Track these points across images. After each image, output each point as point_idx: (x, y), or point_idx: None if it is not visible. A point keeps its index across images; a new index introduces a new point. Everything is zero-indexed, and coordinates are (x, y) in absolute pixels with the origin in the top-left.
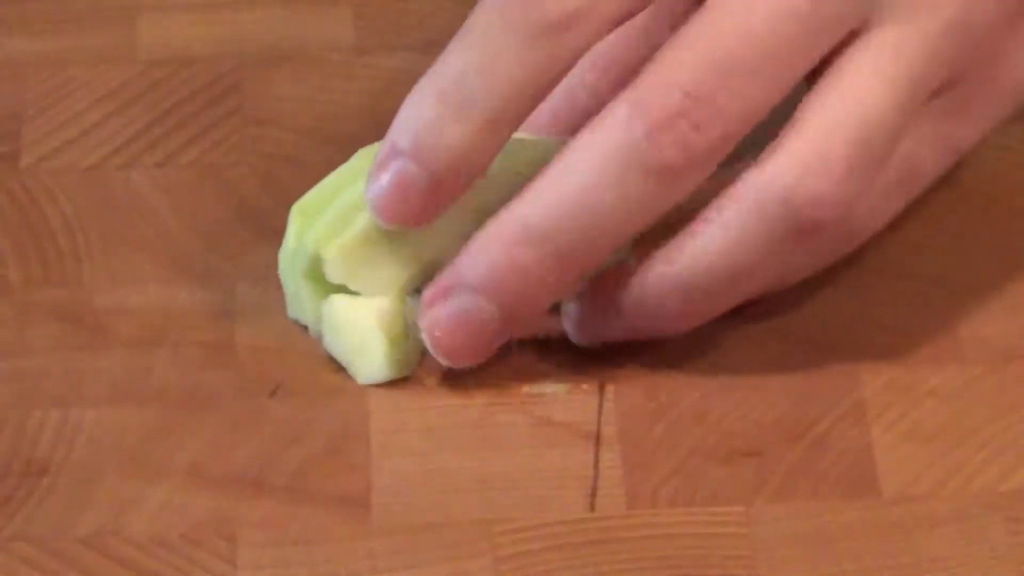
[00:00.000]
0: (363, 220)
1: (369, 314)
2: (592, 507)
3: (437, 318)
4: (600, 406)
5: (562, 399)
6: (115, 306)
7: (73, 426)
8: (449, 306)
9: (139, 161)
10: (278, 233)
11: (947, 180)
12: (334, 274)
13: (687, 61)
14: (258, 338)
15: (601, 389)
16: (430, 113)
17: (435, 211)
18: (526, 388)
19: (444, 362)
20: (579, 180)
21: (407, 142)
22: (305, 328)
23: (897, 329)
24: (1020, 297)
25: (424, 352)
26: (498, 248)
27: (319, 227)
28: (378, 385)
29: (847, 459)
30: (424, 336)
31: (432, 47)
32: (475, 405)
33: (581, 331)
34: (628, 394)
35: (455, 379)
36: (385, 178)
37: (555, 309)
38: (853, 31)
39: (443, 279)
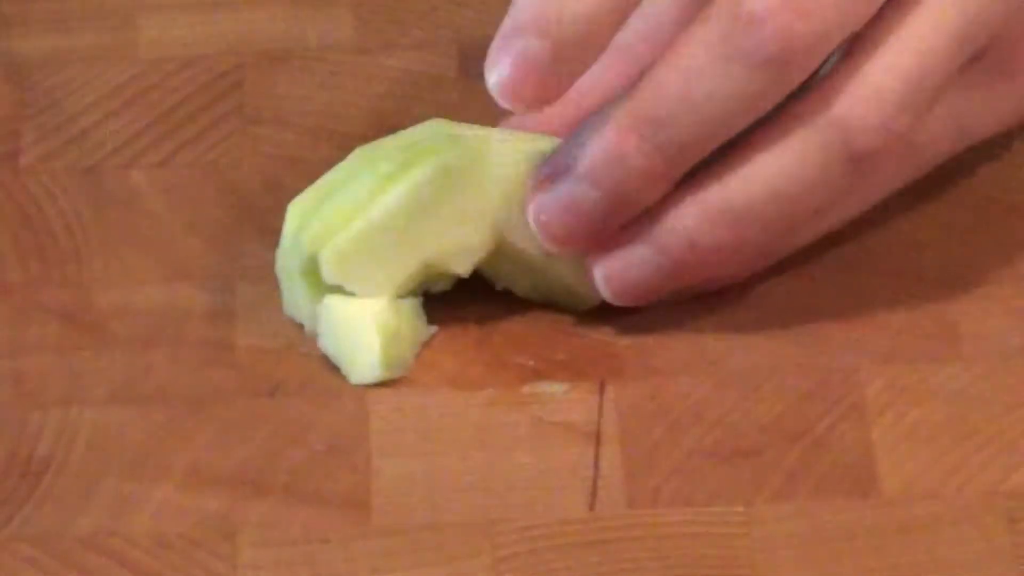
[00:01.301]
0: (359, 222)
1: (363, 314)
2: (592, 507)
3: (543, 203)
4: (600, 406)
5: (562, 399)
6: (115, 306)
7: (73, 426)
8: (555, 192)
9: (139, 161)
10: (278, 233)
11: (947, 180)
12: (330, 275)
13: None
14: (258, 338)
15: (601, 389)
16: None
17: (557, 89)
18: (526, 388)
19: (549, 247)
20: (684, 72)
21: (529, 15)
22: (302, 326)
23: (897, 329)
24: (1020, 296)
25: (418, 353)
26: (602, 136)
27: (315, 226)
28: (378, 385)
29: (847, 459)
30: (531, 220)
31: (432, 47)
32: (475, 405)
33: (616, 281)
34: (628, 394)
35: (455, 379)
36: (507, 58)
37: None
38: None
39: (550, 164)
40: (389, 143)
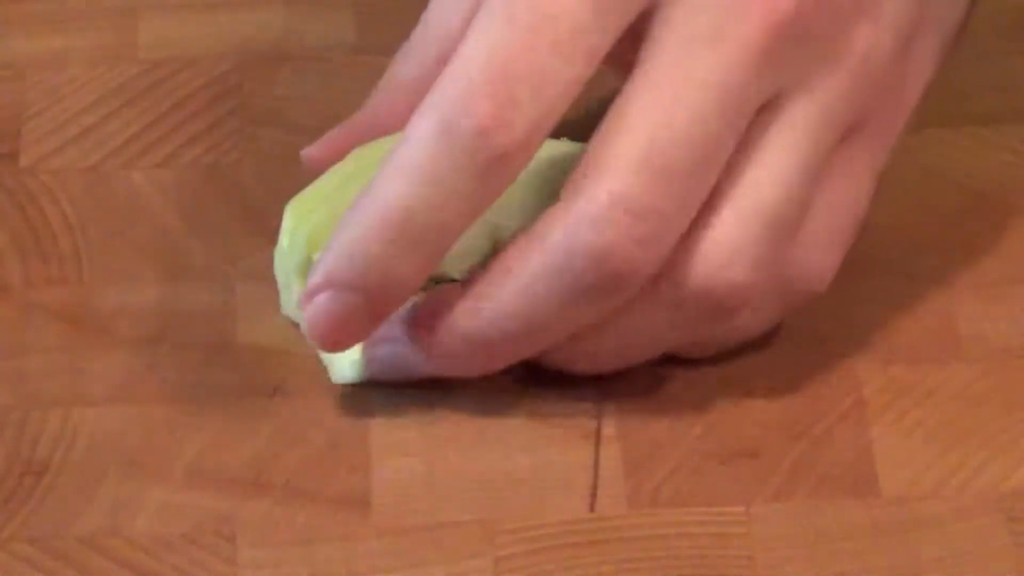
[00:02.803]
0: None
1: None
2: (592, 507)
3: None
4: (600, 406)
5: (562, 399)
6: (115, 306)
7: (73, 426)
8: (320, 303)
9: (139, 161)
10: (278, 233)
11: (947, 180)
12: None
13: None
14: (258, 338)
15: (601, 389)
16: (376, 249)
17: (371, 332)
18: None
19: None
20: (517, 290)
21: (349, 276)
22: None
23: (897, 329)
24: (1020, 297)
25: None
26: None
27: (311, 227)
28: (378, 385)
29: (847, 459)
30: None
31: None
32: (475, 405)
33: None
34: (628, 394)
35: (455, 379)
36: (322, 308)
37: None
38: (764, 106)
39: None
40: (387, 144)
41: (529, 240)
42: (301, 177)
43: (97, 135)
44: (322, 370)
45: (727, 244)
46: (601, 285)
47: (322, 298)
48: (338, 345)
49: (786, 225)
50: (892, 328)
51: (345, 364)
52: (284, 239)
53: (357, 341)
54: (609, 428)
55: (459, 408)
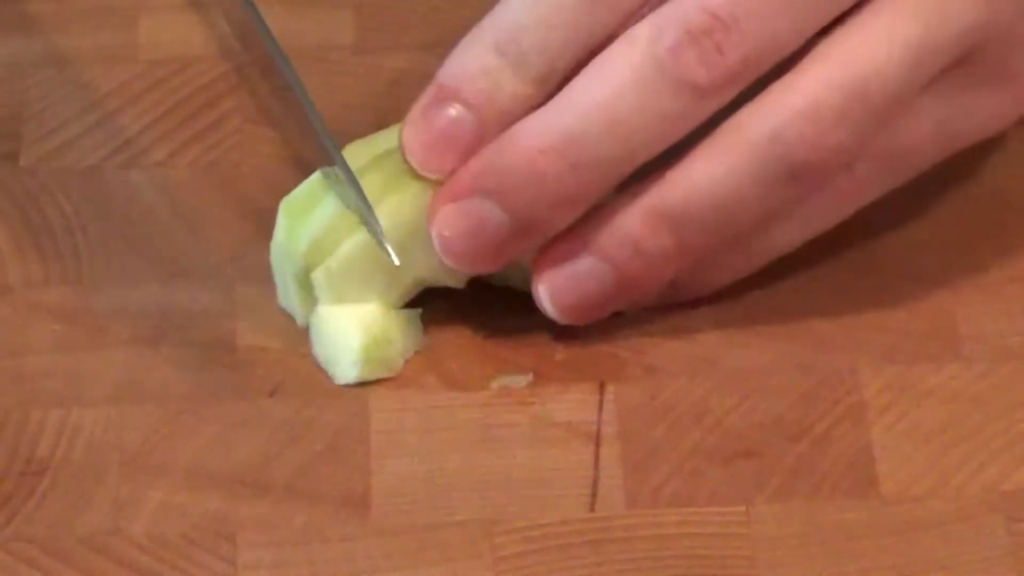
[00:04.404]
0: (350, 243)
1: (351, 316)
2: (592, 507)
3: (446, 218)
4: (600, 406)
5: (562, 399)
6: (115, 306)
7: (73, 426)
8: (460, 207)
9: (139, 161)
10: None
11: (947, 180)
12: (323, 296)
13: None
14: (258, 338)
15: (601, 389)
16: (486, 61)
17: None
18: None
19: (450, 264)
20: (603, 94)
21: (459, 85)
22: (304, 329)
23: (897, 329)
24: (1020, 297)
25: (410, 358)
26: (517, 154)
27: (305, 233)
28: (378, 385)
29: (847, 459)
30: (433, 236)
31: (432, 47)
32: (475, 405)
33: (561, 296)
34: (628, 394)
35: (455, 379)
36: (432, 120)
37: None
38: None
39: (456, 179)
40: (377, 141)
41: (622, 40)
42: (301, 177)
43: (97, 135)
44: (322, 370)
45: (800, 98)
46: (683, 77)
47: (434, 113)
48: (443, 166)
49: (870, 104)
50: (892, 328)
51: (346, 364)
52: (279, 235)
53: (456, 168)
54: (609, 428)
55: (459, 408)
